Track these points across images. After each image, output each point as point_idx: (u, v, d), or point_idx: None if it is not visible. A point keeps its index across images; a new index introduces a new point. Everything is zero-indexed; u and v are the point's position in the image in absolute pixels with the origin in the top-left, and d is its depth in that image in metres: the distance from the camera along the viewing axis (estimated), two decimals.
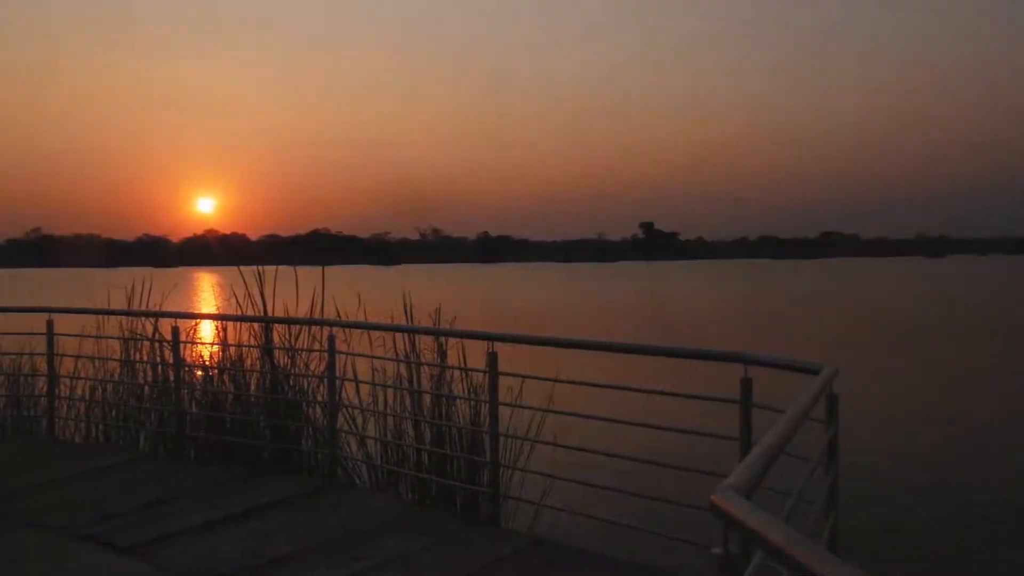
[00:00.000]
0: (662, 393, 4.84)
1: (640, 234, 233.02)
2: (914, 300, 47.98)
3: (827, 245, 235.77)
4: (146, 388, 7.54)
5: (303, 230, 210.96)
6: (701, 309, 44.03)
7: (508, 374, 5.32)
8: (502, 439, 5.54)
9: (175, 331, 6.94)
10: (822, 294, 56.63)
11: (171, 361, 7.08)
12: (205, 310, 26.39)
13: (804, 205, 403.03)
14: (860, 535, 7.17)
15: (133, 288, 8.21)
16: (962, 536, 7.88)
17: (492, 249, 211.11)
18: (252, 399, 6.96)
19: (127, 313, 7.76)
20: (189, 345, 7.40)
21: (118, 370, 7.70)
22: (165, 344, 7.26)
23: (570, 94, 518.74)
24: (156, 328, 7.50)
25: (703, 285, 74.04)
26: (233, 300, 7.48)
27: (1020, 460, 10.93)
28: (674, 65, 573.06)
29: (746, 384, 4.19)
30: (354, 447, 6.56)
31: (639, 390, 5.01)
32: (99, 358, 7.78)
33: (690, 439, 4.48)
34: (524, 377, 5.59)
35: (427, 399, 6.30)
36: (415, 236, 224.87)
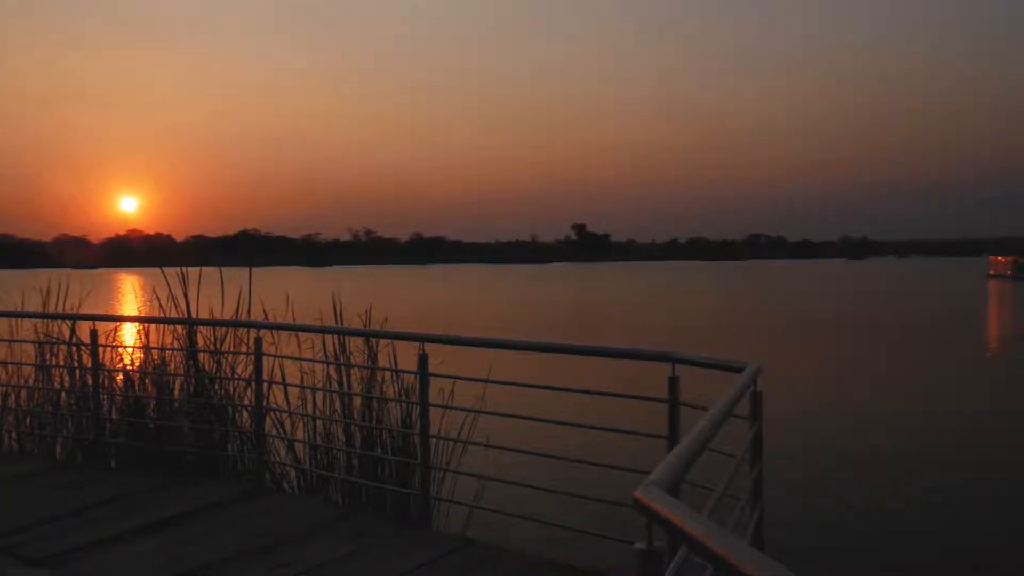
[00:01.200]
0: (592, 393, 4.88)
1: (573, 236, 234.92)
2: (835, 301, 49.53)
3: (755, 247, 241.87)
4: (63, 394, 7.27)
5: (232, 231, 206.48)
6: (630, 310, 44.63)
7: (439, 375, 5.30)
8: (434, 441, 5.51)
9: (94, 334, 6.70)
10: (748, 295, 58.00)
11: (89, 365, 6.83)
12: (126, 312, 25.60)
13: (732, 208, 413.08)
14: (786, 530, 7.36)
15: (49, 290, 7.91)
16: (884, 530, 8.15)
17: (425, 250, 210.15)
18: (176, 404, 6.77)
19: (42, 316, 7.47)
20: (109, 349, 7.16)
21: (33, 375, 7.41)
22: (83, 348, 7.01)
23: (501, 95, 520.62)
24: (74, 331, 7.23)
25: (633, 287, 75.08)
26: (156, 302, 7.27)
27: (940, 454, 11.38)
28: (605, 68, 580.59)
29: (673, 383, 4.25)
30: (282, 451, 6.45)
31: (569, 390, 5.04)
32: (12, 363, 7.47)
33: (620, 437, 4.53)
34: (455, 378, 5.57)
35: (357, 401, 6.24)
36: (347, 237, 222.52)
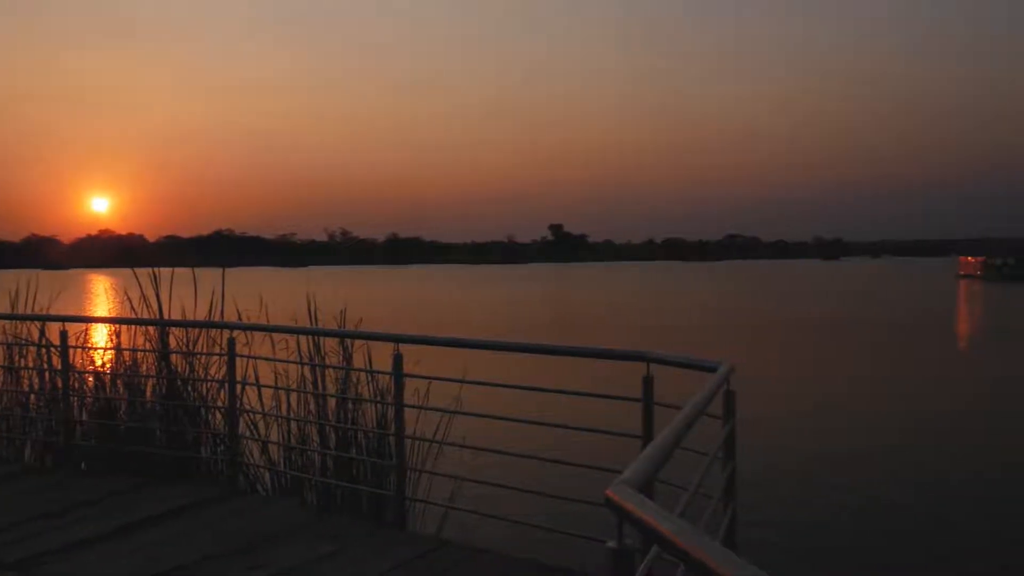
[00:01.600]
0: (567, 393, 4.90)
1: (550, 236, 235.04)
2: (810, 300, 50.00)
3: (730, 248, 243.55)
4: (32, 396, 7.16)
5: (206, 231, 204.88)
6: (606, 310, 44.78)
7: (414, 376, 5.28)
8: (409, 442, 5.49)
9: (63, 335, 6.61)
10: (723, 295, 58.40)
11: (59, 367, 6.74)
12: (97, 313, 25.27)
13: (708, 209, 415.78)
14: (759, 528, 7.42)
15: (18, 290, 7.79)
16: (857, 529, 8.24)
17: (401, 251, 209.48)
18: (148, 405, 6.70)
19: (11, 317, 7.36)
20: (79, 350, 7.06)
21: (1, 377, 7.29)
22: (53, 349, 6.91)
23: (479, 96, 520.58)
24: (43, 332, 7.13)
25: (609, 287, 75.32)
26: (127, 303, 7.19)
27: (912, 453, 11.51)
28: (581, 68, 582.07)
29: (647, 382, 4.28)
30: (256, 453, 6.40)
31: (545, 390, 5.05)
32: None
33: (595, 437, 4.55)
34: (430, 379, 5.56)
35: (332, 402, 6.21)
36: (323, 237, 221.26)
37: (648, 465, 2.04)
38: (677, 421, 2.55)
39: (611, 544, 1.80)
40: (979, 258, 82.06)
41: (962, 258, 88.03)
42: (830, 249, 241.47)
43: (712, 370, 3.85)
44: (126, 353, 6.89)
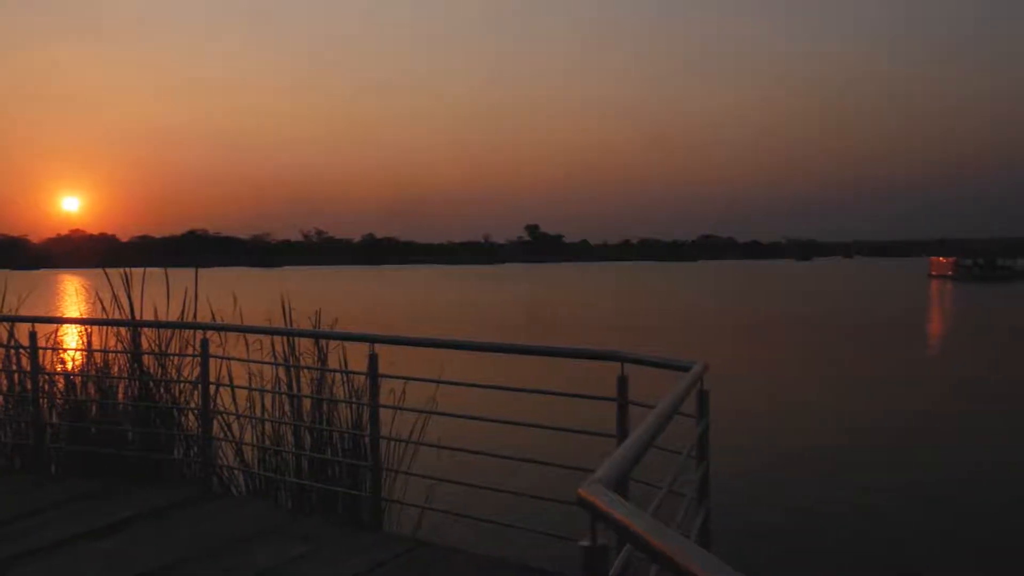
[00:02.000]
0: (542, 392, 4.91)
1: (526, 236, 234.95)
2: (784, 300, 50.46)
3: (705, 248, 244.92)
4: (0, 398, 7.05)
5: (179, 231, 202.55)
6: (582, 311, 44.89)
7: (389, 376, 5.27)
8: (385, 442, 5.48)
9: (33, 336, 6.52)
10: (697, 295, 58.77)
11: (29, 369, 6.64)
12: (68, 314, 24.92)
13: (684, 209, 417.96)
14: (733, 527, 7.48)
15: None
16: (830, 528, 8.33)
17: (377, 251, 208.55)
18: (119, 407, 6.62)
19: None
20: (49, 351, 6.97)
21: None
22: (22, 351, 6.82)
23: (455, 95, 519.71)
24: (12, 334, 7.02)
25: (585, 287, 75.54)
26: (98, 303, 7.11)
27: (886, 453, 11.66)
28: (557, 69, 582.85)
29: (622, 382, 4.30)
30: (230, 455, 6.35)
31: (520, 390, 5.06)
32: None
33: (571, 437, 4.56)
34: (406, 379, 5.55)
35: (307, 403, 6.18)
36: (298, 237, 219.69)
37: (621, 464, 2.05)
38: (650, 420, 2.57)
39: (584, 543, 1.81)
40: (950, 259, 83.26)
41: (933, 259, 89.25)
42: (803, 250, 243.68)
43: (686, 369, 3.88)
44: (97, 354, 6.81)
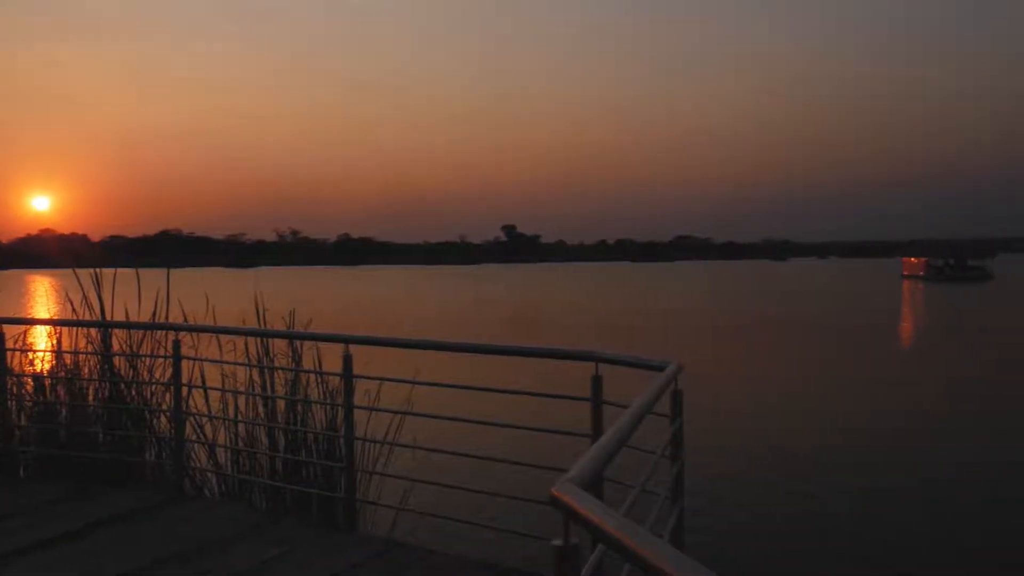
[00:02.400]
0: (517, 392, 4.91)
1: (503, 237, 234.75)
2: (760, 301, 50.85)
3: (681, 248, 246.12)
4: None
5: (152, 231, 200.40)
6: (558, 310, 44.98)
7: (364, 377, 5.25)
8: (359, 443, 5.45)
9: (0, 337, 6.42)
10: (671, 295, 59.07)
11: None
12: (37, 315, 24.52)
13: (660, 210, 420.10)
14: (707, 526, 7.52)
15: None
16: (802, 528, 8.40)
17: (353, 251, 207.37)
18: (90, 409, 6.54)
19: None
20: (18, 353, 6.86)
21: None
22: None
23: (433, 97, 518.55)
24: None
25: (561, 287, 75.68)
26: (68, 304, 7.02)
27: (857, 453, 11.77)
28: (535, 69, 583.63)
29: (596, 382, 4.31)
30: (203, 457, 6.29)
31: (495, 390, 5.05)
32: None
33: (546, 436, 4.57)
34: (380, 380, 5.53)
35: (281, 404, 6.13)
36: (273, 237, 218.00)
37: (594, 464, 2.06)
38: (623, 420, 2.58)
39: (557, 543, 1.81)
40: (922, 259, 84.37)
41: (905, 259, 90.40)
42: (779, 250, 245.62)
43: (660, 369, 3.90)
44: (67, 356, 6.72)
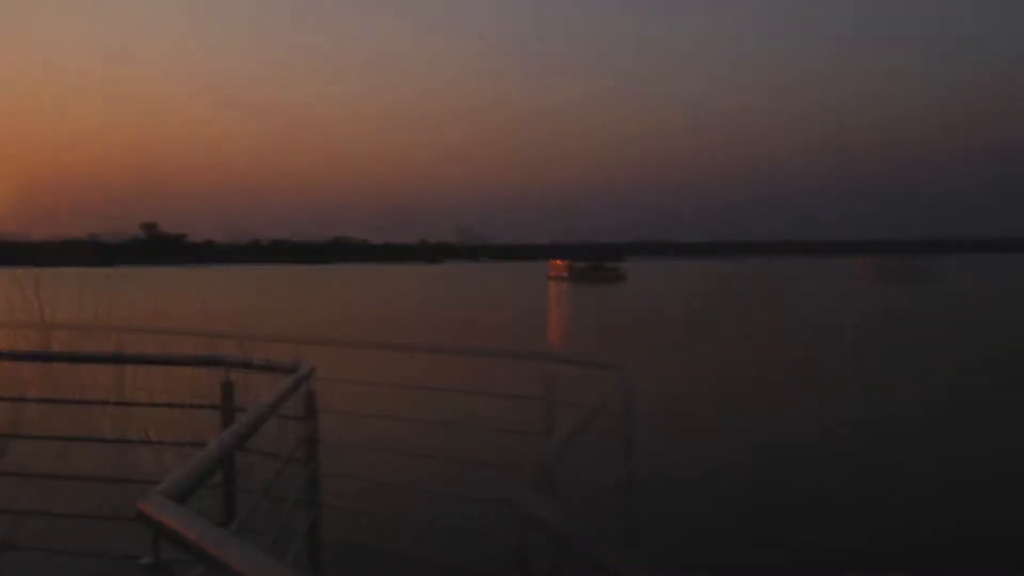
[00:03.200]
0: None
1: (142, 235, 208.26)
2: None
3: (339, 250, 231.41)
4: None
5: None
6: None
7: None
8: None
9: None
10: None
11: None
12: None
13: (317, 211, 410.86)
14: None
15: None
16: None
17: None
18: None
19: None
20: None
21: None
22: None
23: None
24: None
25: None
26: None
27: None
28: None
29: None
30: None
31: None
32: None
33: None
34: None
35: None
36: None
37: (189, 475, 1.92)
38: (242, 421, 2.49)
39: (146, 560, 1.67)
40: (565, 262, 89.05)
41: (551, 262, 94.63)
42: (435, 252, 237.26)
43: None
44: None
